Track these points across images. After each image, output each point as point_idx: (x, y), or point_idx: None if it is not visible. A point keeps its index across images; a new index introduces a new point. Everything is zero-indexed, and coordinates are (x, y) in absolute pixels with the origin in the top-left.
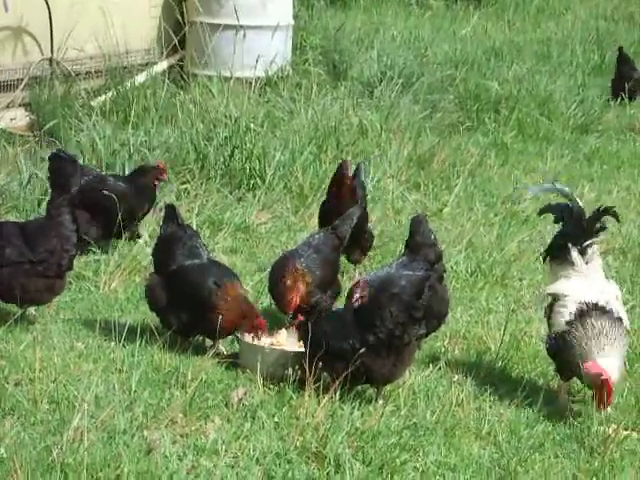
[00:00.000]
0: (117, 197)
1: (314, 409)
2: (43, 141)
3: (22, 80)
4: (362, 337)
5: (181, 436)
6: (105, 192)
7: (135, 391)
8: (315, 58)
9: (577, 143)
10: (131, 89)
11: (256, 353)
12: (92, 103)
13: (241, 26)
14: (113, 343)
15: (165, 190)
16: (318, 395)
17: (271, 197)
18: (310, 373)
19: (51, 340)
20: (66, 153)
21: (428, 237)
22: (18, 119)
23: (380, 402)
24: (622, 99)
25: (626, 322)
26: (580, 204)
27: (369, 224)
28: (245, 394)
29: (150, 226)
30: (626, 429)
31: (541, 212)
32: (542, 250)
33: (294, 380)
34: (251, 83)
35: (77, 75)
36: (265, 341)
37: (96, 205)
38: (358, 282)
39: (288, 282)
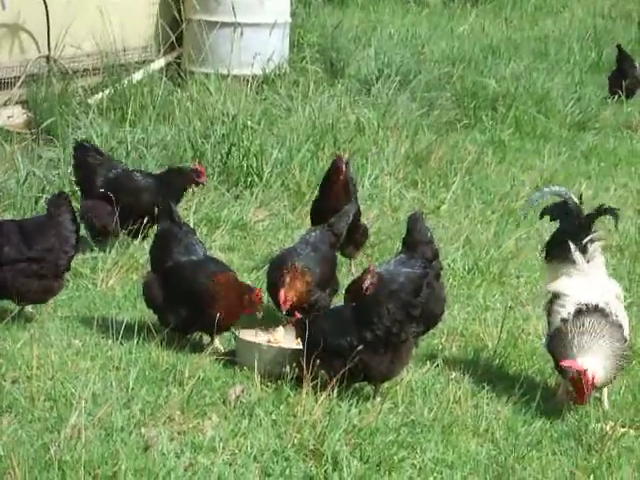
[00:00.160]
0: (140, 193)
1: (312, 406)
2: (40, 139)
3: (19, 78)
4: (360, 334)
5: (178, 433)
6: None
7: (132, 388)
8: (312, 56)
9: (574, 141)
10: (128, 87)
11: (253, 351)
12: (89, 101)
13: (238, 24)
14: (110, 341)
15: None
16: (315, 393)
17: (268, 194)
18: (307, 370)
19: (48, 337)
20: (90, 143)
21: (425, 235)
22: (15, 117)
23: (378, 399)
24: (619, 96)
25: (625, 325)
26: (576, 201)
27: (365, 220)
28: (242, 392)
29: None
30: (623, 426)
31: (542, 215)
32: (542, 248)
33: (291, 378)
34: (248, 81)
35: (74, 73)
36: (262, 339)
37: (120, 199)
38: (369, 268)
39: (286, 280)
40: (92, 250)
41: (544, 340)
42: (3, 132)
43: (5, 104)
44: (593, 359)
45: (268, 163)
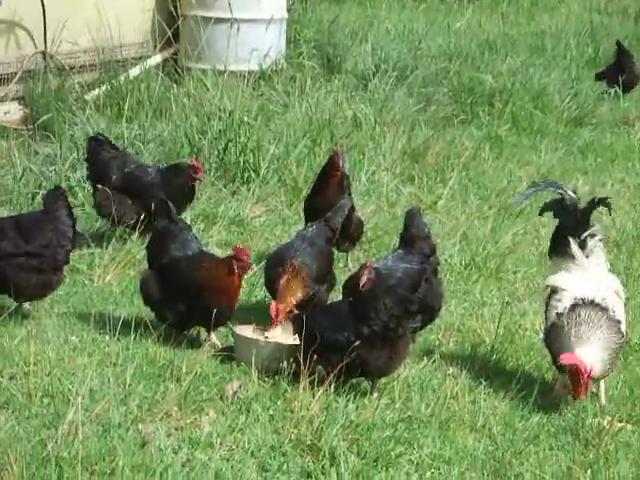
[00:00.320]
0: (155, 189)
1: (309, 402)
2: (37, 135)
3: (16, 74)
4: (357, 330)
5: (176, 429)
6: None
7: (130, 384)
8: (309, 51)
9: (571, 136)
10: (125, 83)
11: (251, 346)
12: (86, 97)
13: (235, 19)
14: (107, 337)
15: None
16: (313, 388)
17: (265, 190)
18: (305, 366)
19: (45, 334)
20: (105, 137)
21: (423, 230)
22: (12, 113)
23: (375, 395)
24: (616, 91)
25: (622, 320)
26: (573, 196)
27: (362, 215)
28: (240, 387)
29: None
30: (620, 421)
31: (542, 211)
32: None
33: (289, 373)
34: (245, 76)
35: (71, 69)
36: (260, 334)
37: (134, 193)
38: (365, 264)
39: (282, 280)
40: (89, 246)
41: (541, 335)
42: (0, 128)
43: (2, 100)
44: (591, 350)
45: (265, 159)
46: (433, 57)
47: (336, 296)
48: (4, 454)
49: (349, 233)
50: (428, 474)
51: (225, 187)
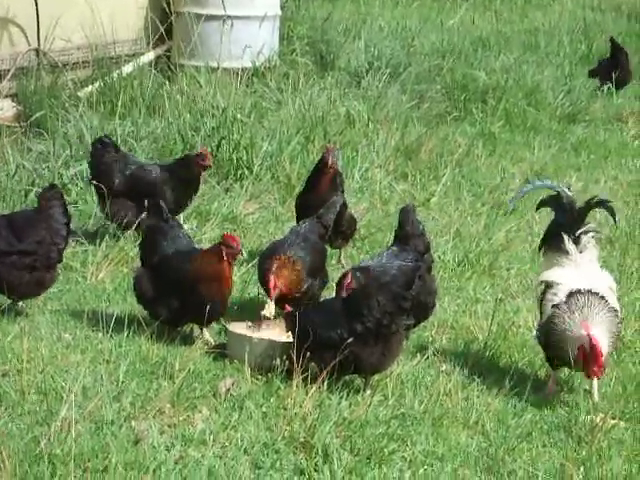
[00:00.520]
0: (161, 186)
1: (302, 399)
2: (30, 132)
3: (9, 71)
4: (350, 326)
5: (169, 426)
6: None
7: (123, 382)
8: (302, 48)
9: (564, 133)
10: (118, 80)
11: (244, 343)
12: (79, 94)
13: (228, 16)
14: (101, 334)
15: None
16: (306, 385)
17: (258, 187)
18: (298, 363)
19: (38, 331)
20: (110, 139)
21: (417, 227)
22: (5, 110)
23: (368, 392)
24: (609, 88)
25: (618, 310)
26: (569, 194)
27: (354, 212)
28: (233, 384)
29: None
30: (613, 418)
31: (538, 207)
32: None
33: (282, 370)
34: (238, 73)
35: (64, 66)
36: (253, 332)
37: (139, 194)
38: (346, 274)
39: (273, 268)
40: (82, 244)
41: (535, 332)
42: None
43: None
44: (598, 331)
45: (258, 156)
46: (426, 54)
47: (329, 294)
48: None
49: (342, 230)
50: (421, 471)
51: (218, 184)
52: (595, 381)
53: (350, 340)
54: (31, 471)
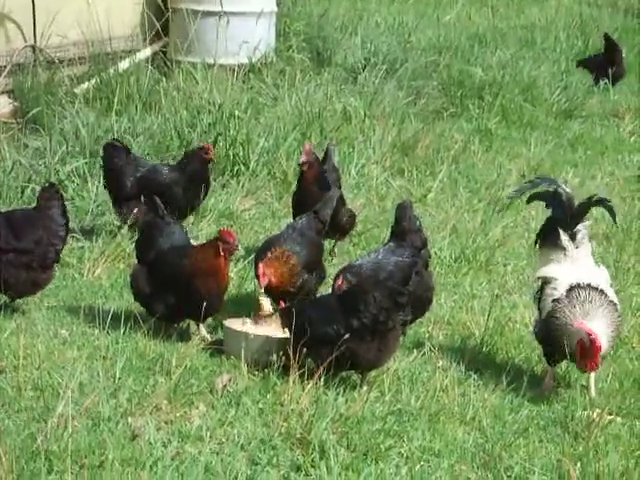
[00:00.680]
0: (173, 187)
1: (298, 395)
2: (26, 128)
3: (5, 67)
4: (346, 322)
5: (165, 423)
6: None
7: (119, 378)
8: (299, 45)
9: (561, 129)
10: (114, 76)
11: (240, 340)
12: (75, 90)
13: (225, 12)
14: (97, 330)
15: None
16: (302, 381)
17: (255, 183)
18: (294, 359)
19: (35, 327)
20: (121, 143)
21: (414, 223)
22: (1, 106)
23: (364, 388)
24: (605, 84)
25: (617, 303)
26: (569, 191)
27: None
28: (229, 380)
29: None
30: (610, 414)
31: (529, 200)
32: (537, 239)
33: (278, 366)
34: (235, 70)
35: (60, 62)
36: (249, 328)
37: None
38: (339, 275)
39: (265, 258)
40: (79, 240)
41: (533, 327)
42: None
43: None
44: (598, 325)
45: (254, 152)
46: (423, 50)
47: (326, 289)
48: None
49: (340, 225)
50: (418, 467)
51: (215, 180)
52: (592, 377)
53: (347, 336)
54: (28, 467)
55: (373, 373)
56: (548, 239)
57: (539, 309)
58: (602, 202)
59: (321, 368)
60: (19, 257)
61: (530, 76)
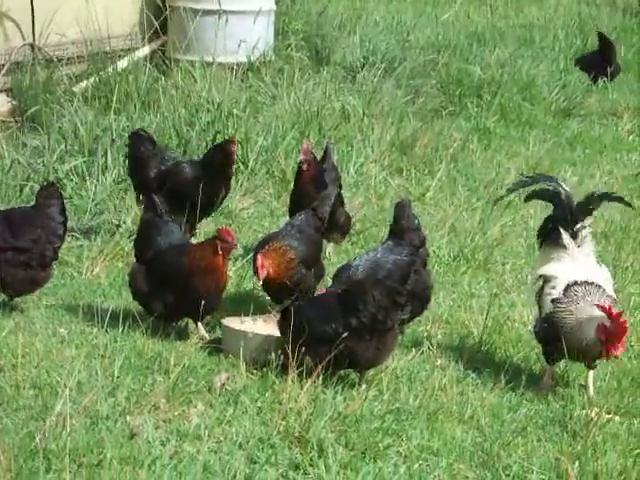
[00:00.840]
0: (194, 183)
1: (297, 394)
2: (25, 127)
3: (4, 66)
4: (345, 321)
5: (164, 421)
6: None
7: (118, 377)
8: (297, 43)
9: (559, 128)
10: (113, 74)
11: (239, 338)
12: (74, 89)
13: (223, 11)
14: (96, 329)
15: None
16: (301, 380)
17: (254, 182)
18: (293, 358)
19: (33, 326)
20: (147, 133)
21: (412, 222)
22: (0, 105)
23: (363, 387)
24: (604, 81)
25: (616, 299)
26: (569, 190)
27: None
28: (228, 379)
29: None
30: (609, 412)
31: (528, 198)
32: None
33: (277, 365)
34: (233, 68)
35: (59, 60)
36: (248, 326)
37: (173, 191)
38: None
39: (262, 251)
40: (77, 239)
41: (533, 326)
42: None
43: None
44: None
45: (253, 151)
46: (421, 49)
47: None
48: None
49: (337, 224)
50: (416, 465)
51: None
52: (590, 376)
53: (345, 335)
54: (26, 466)
55: (371, 372)
56: (549, 238)
57: (539, 308)
58: (605, 197)
59: (320, 367)
60: (17, 255)
61: (529, 75)
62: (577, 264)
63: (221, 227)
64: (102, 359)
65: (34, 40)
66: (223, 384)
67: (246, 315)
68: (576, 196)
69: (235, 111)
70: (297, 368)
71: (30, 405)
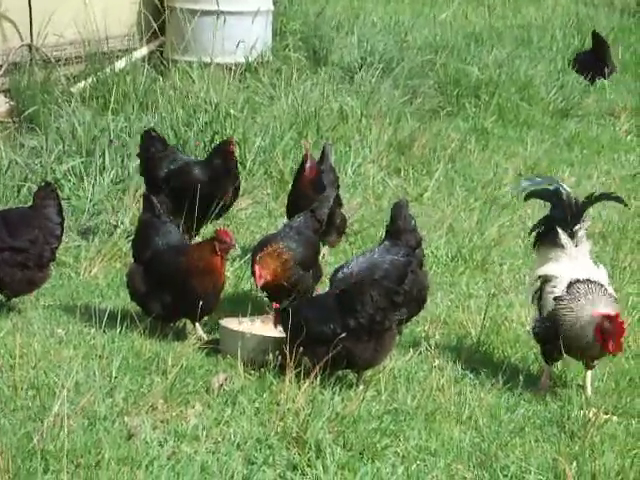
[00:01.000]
0: (200, 184)
1: (295, 394)
2: (23, 127)
3: (1, 66)
4: (343, 322)
5: (162, 422)
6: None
7: (116, 377)
8: (295, 44)
9: (557, 128)
10: (111, 75)
11: (237, 339)
12: (72, 89)
13: (221, 12)
14: (93, 329)
15: None
16: (299, 380)
17: (251, 183)
18: (291, 358)
19: (31, 327)
20: (157, 133)
21: (409, 223)
22: None
23: (361, 387)
24: (601, 82)
25: (615, 297)
26: (567, 189)
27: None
28: (226, 380)
29: None
30: (606, 413)
31: (527, 197)
32: (531, 234)
33: (275, 366)
34: (231, 69)
35: (57, 61)
36: (246, 327)
37: (182, 191)
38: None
39: (258, 257)
40: (75, 239)
41: (532, 327)
42: None
43: None
44: (609, 310)
45: (251, 151)
46: (419, 49)
47: (323, 288)
48: None
49: (334, 225)
50: (414, 466)
51: None
52: (588, 376)
53: (343, 335)
54: (24, 466)
55: (369, 372)
56: (547, 238)
57: (539, 308)
58: (604, 196)
59: (317, 367)
60: (15, 256)
61: (526, 75)
62: (575, 263)
63: (219, 228)
64: (100, 360)
65: (32, 41)
66: (221, 385)
67: (244, 316)
68: (575, 196)
69: (233, 112)
70: (295, 369)
71: (28, 406)
